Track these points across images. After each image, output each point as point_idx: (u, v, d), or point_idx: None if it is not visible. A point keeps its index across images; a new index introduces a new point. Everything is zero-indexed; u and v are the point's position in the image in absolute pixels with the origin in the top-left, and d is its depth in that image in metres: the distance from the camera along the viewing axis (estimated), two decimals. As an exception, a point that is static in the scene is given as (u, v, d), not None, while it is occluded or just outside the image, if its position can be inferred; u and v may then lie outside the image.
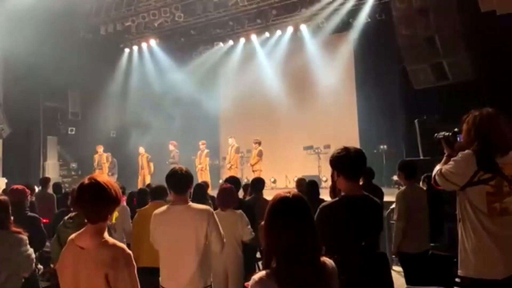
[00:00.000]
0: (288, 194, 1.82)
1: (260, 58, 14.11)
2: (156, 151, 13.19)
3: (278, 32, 13.57)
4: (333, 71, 12.65)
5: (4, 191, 6.68)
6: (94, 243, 2.06)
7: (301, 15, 12.61)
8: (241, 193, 6.08)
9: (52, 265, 4.30)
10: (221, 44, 14.51)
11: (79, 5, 12.11)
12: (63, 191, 8.23)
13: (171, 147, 12.54)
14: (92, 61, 12.29)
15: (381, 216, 2.91)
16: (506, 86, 8.60)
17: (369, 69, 12.64)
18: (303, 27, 13.25)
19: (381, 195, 5.37)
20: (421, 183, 5.66)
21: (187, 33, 14.13)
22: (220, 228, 3.24)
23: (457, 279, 2.57)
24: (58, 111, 14.02)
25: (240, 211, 4.19)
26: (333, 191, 2.72)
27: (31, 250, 3.42)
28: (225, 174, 11.90)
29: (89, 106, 13.89)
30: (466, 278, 2.52)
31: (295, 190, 1.97)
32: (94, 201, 2.07)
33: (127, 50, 15.01)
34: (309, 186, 5.44)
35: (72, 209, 4.14)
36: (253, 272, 1.82)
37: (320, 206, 2.59)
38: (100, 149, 13.20)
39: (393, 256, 4.96)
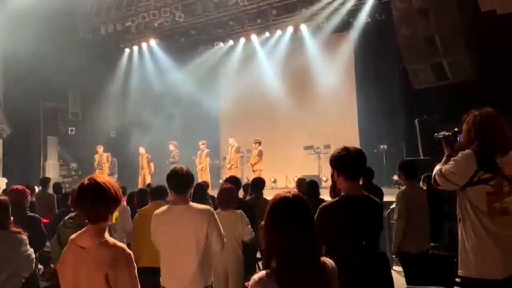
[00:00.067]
0: (288, 194, 1.82)
1: (260, 58, 14.10)
2: (156, 151, 13.20)
3: (278, 32, 13.56)
4: (333, 71, 12.64)
5: (4, 191, 6.70)
6: (94, 243, 2.06)
7: (301, 15, 12.61)
8: (241, 193, 6.08)
9: (52, 265, 4.30)
10: (221, 44, 14.51)
11: (79, 5, 12.11)
12: (63, 191, 8.22)
13: (171, 147, 12.54)
14: (92, 61, 12.30)
15: (381, 216, 2.90)
16: (506, 86, 8.59)
17: (369, 69, 12.63)
18: (303, 27, 13.24)
19: (381, 195, 5.36)
20: (421, 183, 5.66)
21: (187, 33, 14.12)
22: (221, 228, 3.23)
23: (457, 279, 2.58)
24: (58, 111, 14.02)
25: (240, 211, 4.19)
26: (333, 191, 2.72)
27: (31, 250, 3.42)
28: (225, 174, 11.90)
29: (89, 106, 13.89)
30: (466, 278, 2.52)
31: (295, 190, 1.97)
32: (94, 201, 2.07)
33: (127, 50, 15.00)
34: (309, 186, 5.45)
35: (72, 209, 4.14)
36: (253, 272, 1.82)
37: (320, 206, 2.59)
38: (100, 149, 13.19)
39: (393, 256, 4.96)
